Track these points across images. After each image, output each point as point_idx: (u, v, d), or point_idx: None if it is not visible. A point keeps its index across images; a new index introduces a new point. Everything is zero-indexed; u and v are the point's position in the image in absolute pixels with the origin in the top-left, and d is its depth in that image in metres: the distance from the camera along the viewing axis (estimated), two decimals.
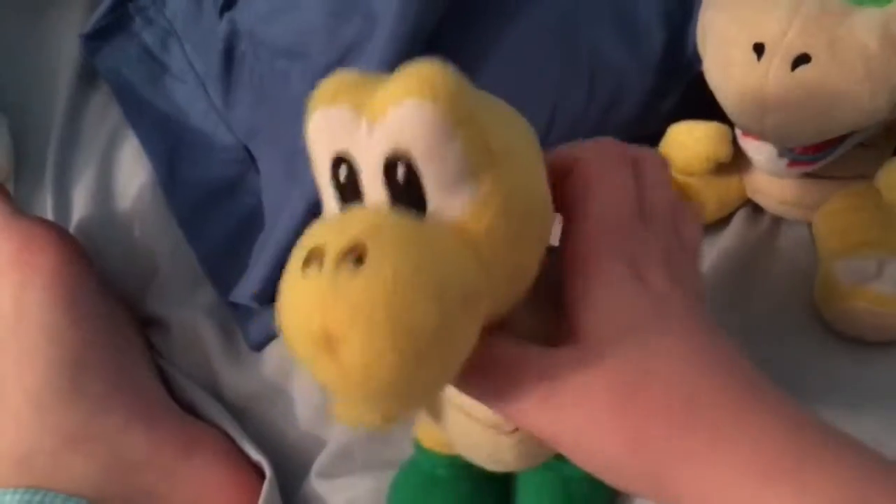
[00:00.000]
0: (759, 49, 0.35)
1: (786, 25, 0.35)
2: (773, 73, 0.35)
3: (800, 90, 0.35)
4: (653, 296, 0.24)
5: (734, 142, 0.43)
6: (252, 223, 0.50)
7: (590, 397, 0.22)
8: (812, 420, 0.22)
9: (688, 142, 0.44)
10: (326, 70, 0.45)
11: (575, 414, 0.22)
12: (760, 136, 0.38)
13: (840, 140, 0.39)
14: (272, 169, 0.49)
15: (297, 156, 0.44)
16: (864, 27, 0.34)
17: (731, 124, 0.42)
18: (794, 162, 0.40)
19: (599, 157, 0.26)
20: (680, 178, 0.46)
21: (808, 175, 0.42)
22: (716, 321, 0.24)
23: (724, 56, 0.37)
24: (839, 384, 0.40)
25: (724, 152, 0.43)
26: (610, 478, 0.23)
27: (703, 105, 0.42)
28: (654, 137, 0.46)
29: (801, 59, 0.34)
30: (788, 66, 0.34)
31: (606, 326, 0.23)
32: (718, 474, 0.21)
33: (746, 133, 0.41)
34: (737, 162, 0.44)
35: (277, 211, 0.47)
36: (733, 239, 0.46)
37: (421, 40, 0.44)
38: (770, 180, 0.44)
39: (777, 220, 0.47)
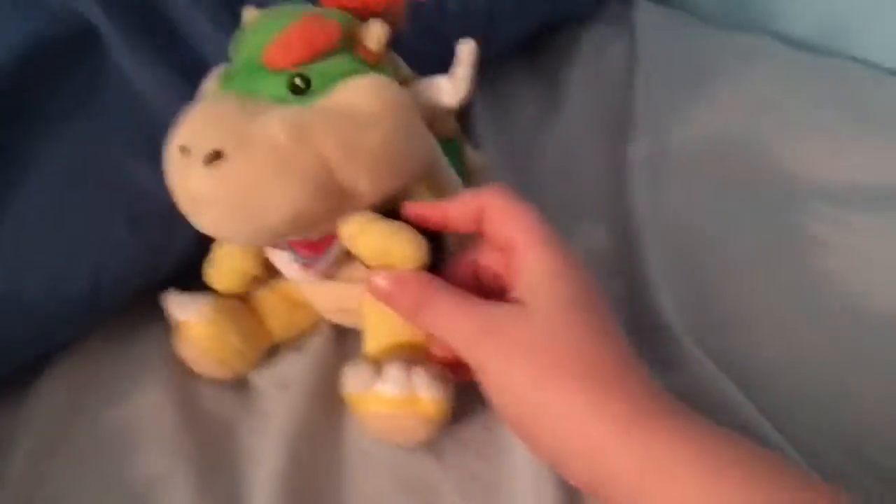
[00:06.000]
0: (185, 150, 0.34)
1: (201, 124, 0.34)
2: (192, 172, 0.33)
3: (219, 187, 0.33)
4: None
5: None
6: None
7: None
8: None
9: (221, 258, 0.42)
10: None
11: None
12: (208, 233, 0.36)
13: (331, 241, 0.38)
14: None
15: None
16: (276, 123, 0.33)
17: None
18: (303, 265, 0.39)
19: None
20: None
21: (339, 280, 0.40)
22: None
23: (167, 159, 0.36)
24: None
25: (250, 264, 0.41)
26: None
27: None
28: None
29: (215, 156, 0.33)
30: (202, 164, 0.33)
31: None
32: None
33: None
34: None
35: None
36: (306, 361, 0.44)
37: None
38: (312, 290, 0.43)
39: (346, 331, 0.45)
